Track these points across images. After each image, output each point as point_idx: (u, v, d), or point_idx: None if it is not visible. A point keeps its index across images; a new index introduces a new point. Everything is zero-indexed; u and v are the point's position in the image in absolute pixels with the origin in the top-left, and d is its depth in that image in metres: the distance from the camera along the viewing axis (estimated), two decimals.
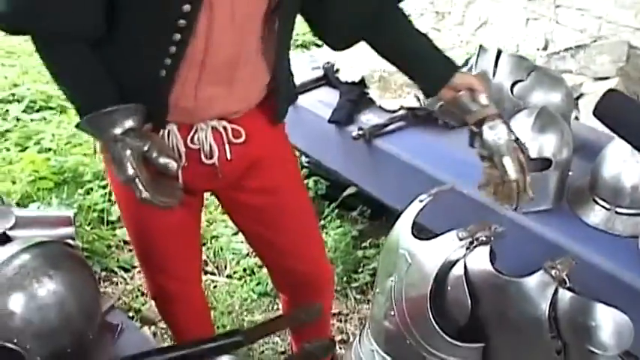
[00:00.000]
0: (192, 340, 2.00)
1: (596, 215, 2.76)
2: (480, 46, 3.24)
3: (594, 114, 1.66)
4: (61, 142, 4.56)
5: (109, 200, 4.04)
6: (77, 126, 1.94)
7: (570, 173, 2.90)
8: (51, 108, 5.06)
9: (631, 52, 4.68)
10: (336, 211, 3.99)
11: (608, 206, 2.75)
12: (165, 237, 2.37)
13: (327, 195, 4.08)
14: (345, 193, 3.87)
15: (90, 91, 1.97)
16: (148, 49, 1.97)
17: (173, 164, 1.92)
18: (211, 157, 2.17)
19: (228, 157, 2.19)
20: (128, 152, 1.88)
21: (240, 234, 3.92)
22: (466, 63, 3.37)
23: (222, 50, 2.01)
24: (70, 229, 2.19)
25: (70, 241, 2.10)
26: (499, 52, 3.16)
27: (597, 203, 2.78)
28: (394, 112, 3.32)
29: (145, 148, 1.90)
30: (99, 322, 1.92)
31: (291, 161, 2.49)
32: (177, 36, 1.93)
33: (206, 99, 2.08)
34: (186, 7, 1.89)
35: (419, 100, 3.31)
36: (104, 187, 4.12)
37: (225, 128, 2.17)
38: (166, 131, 2.12)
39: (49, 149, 4.52)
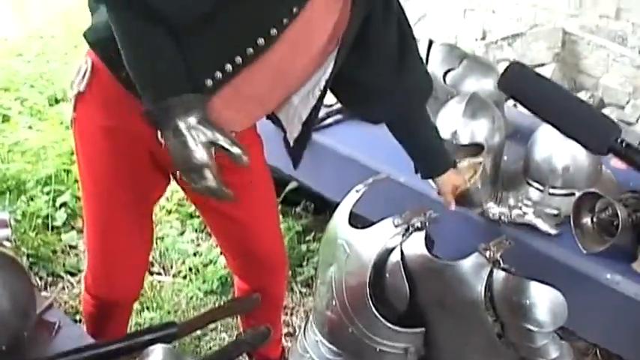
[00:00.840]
0: (127, 333, 2.02)
1: (530, 197, 2.81)
2: None
3: (498, 86, 1.71)
4: (3, 150, 4.53)
5: (53, 206, 4.04)
6: (146, 112, 1.93)
7: (505, 158, 2.96)
8: None
9: (566, 38, 4.76)
10: (280, 206, 4.00)
11: (541, 188, 2.81)
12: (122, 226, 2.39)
13: None
14: (287, 189, 3.89)
15: (167, 76, 1.96)
16: (210, 56, 2.00)
17: (245, 156, 1.95)
18: None
19: None
20: (203, 139, 1.90)
21: (185, 234, 3.96)
22: None
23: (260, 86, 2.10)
24: (6, 230, 2.19)
25: (6, 243, 2.10)
26: (430, 42, 3.21)
27: (531, 185, 2.84)
28: (331, 106, 3.35)
29: (219, 137, 1.92)
30: (35, 320, 1.93)
31: (259, 142, 2.54)
32: (239, 59, 1.99)
33: (226, 119, 2.08)
34: (261, 41, 1.97)
35: None
36: (47, 194, 4.11)
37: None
38: None
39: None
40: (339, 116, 3.34)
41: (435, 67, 3.14)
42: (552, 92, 1.65)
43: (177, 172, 2.06)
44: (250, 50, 1.98)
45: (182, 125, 1.90)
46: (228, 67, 2.00)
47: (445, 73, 3.13)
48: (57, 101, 5.41)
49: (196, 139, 1.90)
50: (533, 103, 1.69)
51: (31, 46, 6.76)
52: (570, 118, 1.65)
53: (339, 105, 3.33)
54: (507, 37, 4.85)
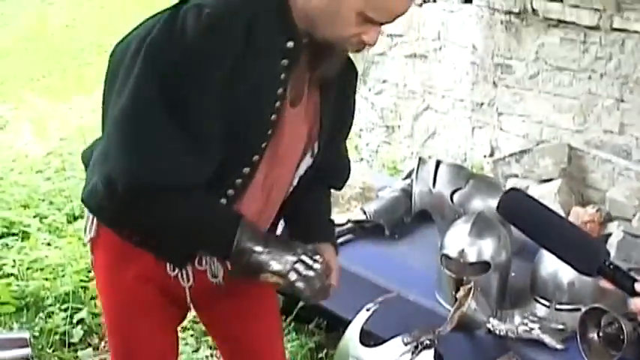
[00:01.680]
0: None
1: (536, 313, 2.87)
2: (420, 158, 3.40)
3: (497, 211, 1.81)
4: (23, 268, 4.62)
5: (71, 323, 4.10)
6: (231, 273, 2.09)
7: (512, 275, 3.03)
8: (13, 234, 5.13)
9: (572, 154, 4.87)
10: (293, 324, 4.05)
11: (547, 303, 2.87)
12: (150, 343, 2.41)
13: (283, 308, 4.14)
14: (299, 306, 3.95)
15: (215, 230, 2.08)
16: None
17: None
18: (216, 277, 2.26)
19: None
20: (312, 273, 2.03)
21: (200, 351, 4.00)
22: (409, 175, 3.53)
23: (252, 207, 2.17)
24: (27, 350, 2.25)
25: None
26: (438, 163, 3.32)
27: (538, 301, 2.90)
28: (342, 225, 3.43)
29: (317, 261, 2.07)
30: None
31: None
32: (231, 192, 2.10)
33: None
34: (246, 170, 2.08)
35: (365, 213, 3.44)
36: (65, 310, 4.18)
37: None
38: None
39: (11, 274, 4.58)
40: (349, 236, 3.42)
41: (443, 186, 3.24)
42: (544, 217, 1.75)
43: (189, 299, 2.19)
44: (239, 181, 2.08)
45: (288, 265, 2.04)
46: (223, 201, 2.10)
47: (452, 193, 3.22)
48: (75, 218, 5.51)
49: (306, 271, 2.04)
50: (528, 227, 1.78)
51: (51, 163, 6.92)
52: (561, 242, 1.74)
53: (350, 225, 3.43)
54: (515, 153, 4.96)
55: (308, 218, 2.39)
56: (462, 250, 2.88)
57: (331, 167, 2.40)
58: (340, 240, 3.39)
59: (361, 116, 5.90)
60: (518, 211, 1.73)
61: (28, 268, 4.64)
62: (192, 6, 1.93)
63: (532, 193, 4.55)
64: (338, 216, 3.49)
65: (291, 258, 2.05)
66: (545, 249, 1.82)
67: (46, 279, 4.52)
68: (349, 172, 2.52)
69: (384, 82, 5.69)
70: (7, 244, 5.00)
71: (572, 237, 1.69)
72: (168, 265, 2.21)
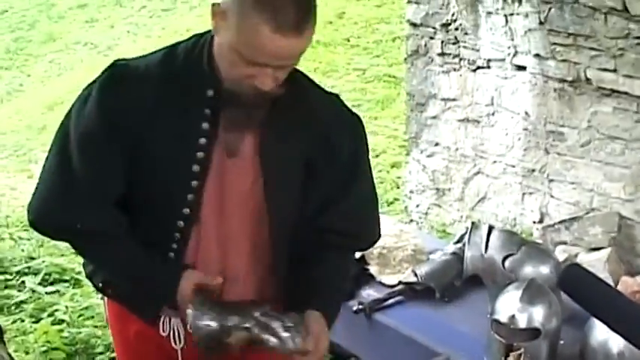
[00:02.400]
0: None
1: None
2: (473, 222, 3.44)
3: (558, 286, 1.84)
4: (74, 315, 4.69)
5: None
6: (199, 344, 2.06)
7: (561, 342, 3.04)
8: (65, 281, 5.21)
9: (622, 223, 4.86)
10: None
11: None
12: None
13: None
14: None
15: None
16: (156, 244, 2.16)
17: None
18: None
19: None
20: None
21: None
22: (460, 239, 3.56)
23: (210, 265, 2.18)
24: None
25: None
26: (490, 228, 3.35)
27: None
28: (393, 286, 3.47)
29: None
30: None
31: None
32: (174, 245, 2.14)
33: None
34: (180, 223, 2.12)
35: (416, 275, 3.47)
36: None
37: None
38: (167, 320, 2.27)
39: (63, 321, 4.65)
40: (400, 297, 3.45)
41: (495, 252, 3.27)
42: (603, 292, 1.78)
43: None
44: (177, 235, 2.13)
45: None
46: (171, 254, 2.16)
47: (504, 259, 3.25)
48: None
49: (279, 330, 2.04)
50: (587, 302, 1.81)
51: None
52: (620, 317, 1.76)
53: (400, 286, 3.46)
54: (565, 220, 4.97)
55: (307, 282, 2.22)
56: (513, 316, 2.90)
57: (341, 230, 2.25)
58: (391, 301, 3.43)
59: (412, 178, 5.94)
60: (579, 285, 1.76)
61: (79, 316, 4.71)
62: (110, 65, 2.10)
63: (581, 261, 4.56)
64: (389, 277, 3.53)
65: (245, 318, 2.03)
66: (605, 324, 1.85)
67: (97, 327, 4.58)
68: (368, 235, 2.36)
69: (436, 144, 5.74)
70: (58, 291, 5.09)
71: (631, 313, 1.71)
72: (160, 325, 2.26)
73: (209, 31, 2.03)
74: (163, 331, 2.27)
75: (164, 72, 2.05)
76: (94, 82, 2.09)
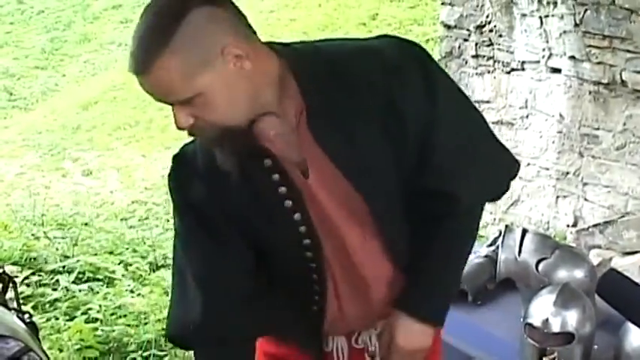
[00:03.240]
0: None
1: None
2: (506, 226, 3.42)
3: (596, 292, 1.83)
4: (108, 313, 4.74)
5: None
6: None
7: (595, 347, 3.02)
8: (98, 279, 5.26)
9: None
10: None
11: None
12: None
13: None
14: None
15: None
16: (297, 293, 2.08)
17: None
18: (374, 357, 2.17)
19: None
20: None
21: None
22: (493, 242, 3.54)
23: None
24: None
25: None
26: (524, 232, 3.33)
27: None
28: None
29: None
30: None
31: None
32: (314, 276, 2.03)
33: (354, 317, 2.12)
34: (307, 242, 1.97)
35: None
36: (147, 358, 4.27)
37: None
38: (335, 345, 2.18)
39: (96, 319, 4.70)
40: None
41: (529, 255, 3.25)
42: None
43: None
44: (314, 276, 2.03)
45: None
46: (316, 287, 2.05)
47: (538, 262, 3.23)
48: (158, 267, 5.64)
49: None
50: (626, 308, 1.80)
51: (136, 211, 7.09)
52: None
53: None
54: (599, 224, 4.94)
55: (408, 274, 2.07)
56: (546, 320, 2.88)
57: (430, 189, 2.00)
58: None
59: None
60: (617, 291, 1.74)
61: (112, 314, 4.76)
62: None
63: (615, 266, 4.53)
64: None
65: None
66: None
67: (129, 325, 4.62)
68: (470, 186, 2.02)
69: None
70: (92, 289, 5.14)
71: None
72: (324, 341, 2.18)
73: None
74: (327, 346, 2.20)
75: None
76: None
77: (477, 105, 5.51)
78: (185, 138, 1.93)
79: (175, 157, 2.02)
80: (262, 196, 1.93)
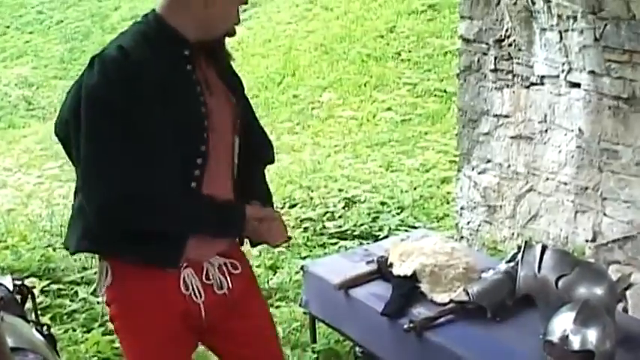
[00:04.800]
0: None
1: None
2: (525, 242, 3.41)
3: None
4: None
5: None
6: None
7: None
8: None
9: None
10: None
11: None
12: None
13: None
14: None
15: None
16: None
17: None
18: (222, 288, 2.69)
19: (231, 286, 2.71)
20: None
21: None
22: (513, 257, 3.53)
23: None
24: None
25: None
26: (544, 248, 3.32)
27: None
28: (444, 305, 3.45)
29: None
30: None
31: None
32: (194, 184, 2.58)
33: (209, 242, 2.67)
34: (199, 161, 2.57)
35: (468, 294, 3.45)
36: None
37: (225, 264, 2.72)
38: (184, 273, 2.62)
39: (114, 331, 4.69)
40: (451, 316, 3.44)
41: (548, 272, 3.24)
42: None
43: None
44: (199, 160, 2.57)
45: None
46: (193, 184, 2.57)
47: (558, 279, 3.22)
48: None
49: None
50: None
51: None
52: None
53: (452, 305, 3.45)
54: (618, 239, 4.91)
55: (246, 187, 2.82)
56: (566, 337, 2.88)
57: (257, 145, 2.89)
58: (442, 320, 3.42)
59: (463, 195, 5.92)
60: None
61: None
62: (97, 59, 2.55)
63: (635, 281, 4.51)
64: (440, 295, 3.52)
65: None
66: None
67: None
68: (271, 146, 2.97)
69: (488, 161, 5.70)
70: None
71: None
72: (181, 285, 2.60)
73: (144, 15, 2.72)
74: (186, 289, 2.61)
75: (141, 47, 2.56)
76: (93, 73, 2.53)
77: (495, 119, 5.55)
78: None
79: (104, 56, 2.58)
80: (177, 81, 2.57)
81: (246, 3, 2.71)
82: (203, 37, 2.60)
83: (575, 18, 4.83)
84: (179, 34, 2.57)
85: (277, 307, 4.87)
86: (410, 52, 11.19)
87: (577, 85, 5.05)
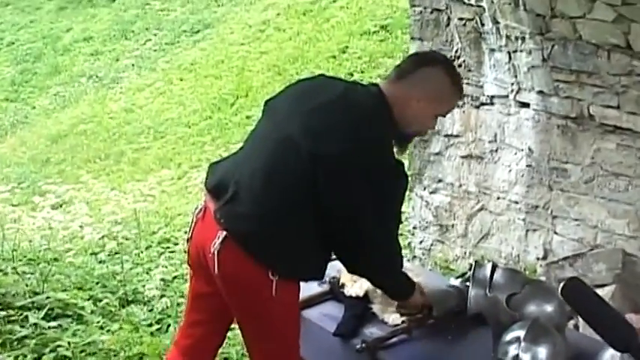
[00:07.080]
0: None
1: None
2: (476, 261, 3.43)
3: (561, 294, 2.25)
4: (77, 350, 4.69)
5: None
6: None
7: None
8: (68, 316, 5.21)
9: (626, 260, 4.86)
10: None
11: None
12: None
13: None
14: None
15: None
16: None
17: None
18: None
19: None
20: None
21: None
22: (462, 276, 3.55)
23: None
24: None
25: None
26: (494, 267, 3.35)
27: None
28: (396, 325, 3.46)
29: None
30: None
31: None
32: None
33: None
34: None
35: None
36: None
37: None
38: None
39: (65, 357, 4.64)
40: (403, 336, 3.44)
41: (498, 291, 3.26)
42: (596, 302, 2.06)
43: None
44: None
45: None
46: None
47: (508, 298, 3.24)
48: (128, 302, 5.60)
49: None
50: (581, 309, 2.17)
51: (106, 245, 7.05)
52: (603, 323, 2.42)
53: (404, 325, 3.45)
54: (568, 257, 4.97)
55: None
56: (517, 356, 2.89)
57: None
58: (394, 339, 3.42)
59: (415, 214, 5.96)
60: (577, 295, 1.97)
61: (81, 351, 4.71)
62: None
63: None
64: (392, 316, 3.52)
65: None
66: (592, 328, 2.18)
67: None
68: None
69: (440, 181, 5.75)
70: (61, 326, 5.09)
71: (612, 320, 2.30)
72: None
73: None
74: None
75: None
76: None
77: (446, 139, 5.60)
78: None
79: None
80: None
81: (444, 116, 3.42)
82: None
83: (523, 39, 4.90)
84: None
85: (232, 329, 4.85)
86: (362, 72, 11.25)
87: (526, 105, 5.12)
